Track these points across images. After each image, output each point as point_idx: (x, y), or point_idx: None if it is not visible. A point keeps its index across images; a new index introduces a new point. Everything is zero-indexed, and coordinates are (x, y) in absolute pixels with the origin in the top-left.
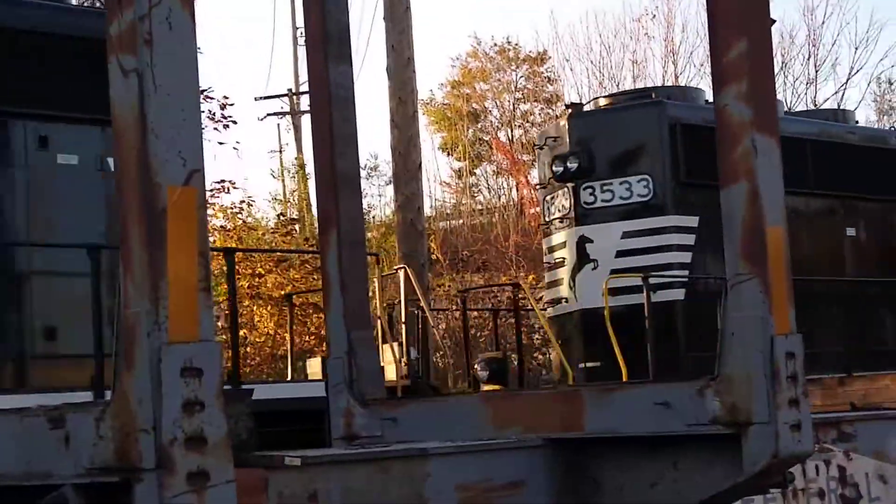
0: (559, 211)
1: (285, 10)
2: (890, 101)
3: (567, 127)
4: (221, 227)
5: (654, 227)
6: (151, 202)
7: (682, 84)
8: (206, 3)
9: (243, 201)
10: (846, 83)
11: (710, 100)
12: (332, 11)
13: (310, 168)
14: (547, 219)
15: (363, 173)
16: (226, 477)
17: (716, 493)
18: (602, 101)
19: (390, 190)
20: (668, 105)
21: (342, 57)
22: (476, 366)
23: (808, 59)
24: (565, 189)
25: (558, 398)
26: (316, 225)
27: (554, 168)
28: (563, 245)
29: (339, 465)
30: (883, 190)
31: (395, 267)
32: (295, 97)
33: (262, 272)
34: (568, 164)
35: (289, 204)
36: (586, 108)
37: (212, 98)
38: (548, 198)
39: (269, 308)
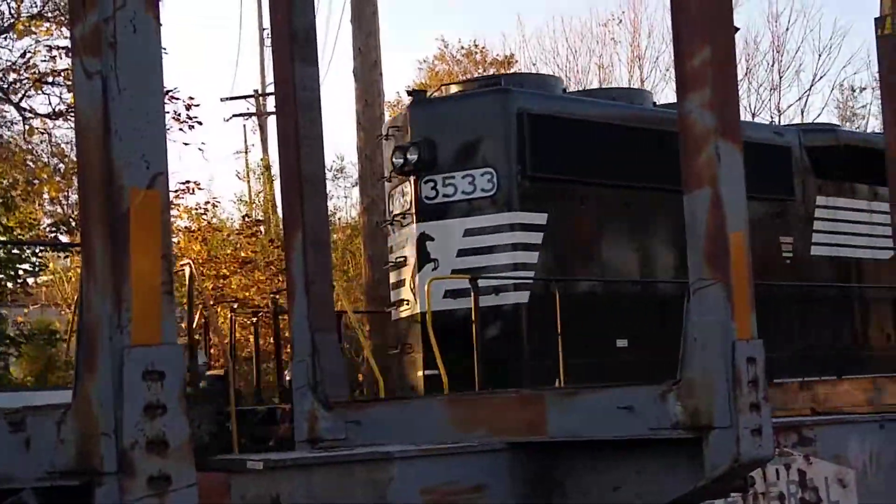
0: (400, 206)
1: (252, 12)
2: (853, 107)
3: (409, 116)
4: (186, 227)
5: (497, 225)
6: (114, 205)
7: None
8: (172, 4)
9: (208, 202)
10: (809, 89)
11: (569, 88)
12: (299, 12)
13: (275, 169)
14: (389, 215)
15: (329, 175)
16: (188, 481)
17: (678, 497)
18: (452, 89)
19: (356, 192)
20: (516, 93)
21: (308, 58)
22: (286, 372)
23: (773, 65)
24: (407, 182)
25: (521, 401)
26: (281, 226)
27: (394, 160)
28: (405, 243)
29: (303, 468)
30: (761, 188)
31: (181, 263)
32: (261, 98)
33: (227, 273)
34: (408, 156)
35: (254, 205)
36: (432, 95)
37: (177, 99)
38: (392, 192)
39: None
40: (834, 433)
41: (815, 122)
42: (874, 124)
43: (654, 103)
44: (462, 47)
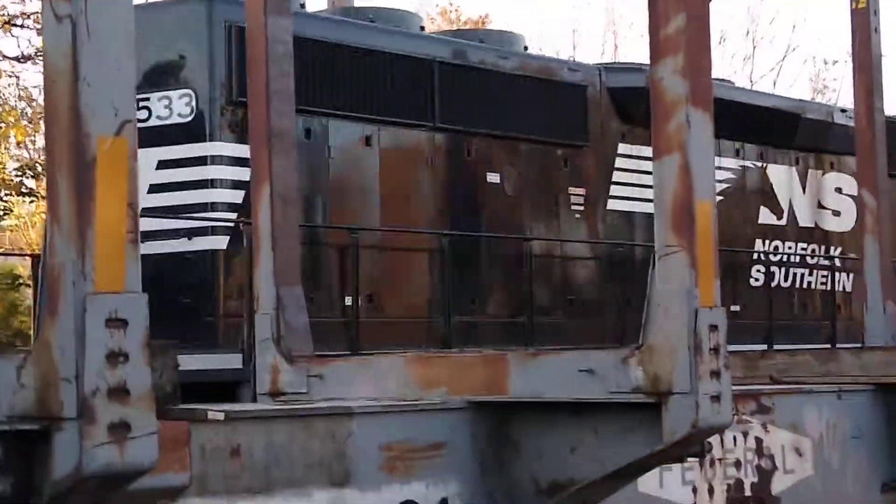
0: None
1: None
2: (824, 80)
3: None
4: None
5: (196, 157)
6: (81, 152)
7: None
8: None
9: None
10: (783, 60)
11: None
12: None
13: None
14: None
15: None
16: (148, 429)
17: (635, 460)
18: None
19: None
20: (221, 3)
21: (282, 10)
22: None
23: (747, 34)
24: None
25: (484, 361)
26: None
27: None
28: None
29: (263, 420)
30: (546, 131)
31: None
32: None
33: None
34: None
35: None
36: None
37: None
38: None
39: None
40: (791, 402)
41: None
42: (846, 97)
43: (526, 47)
44: (436, 5)
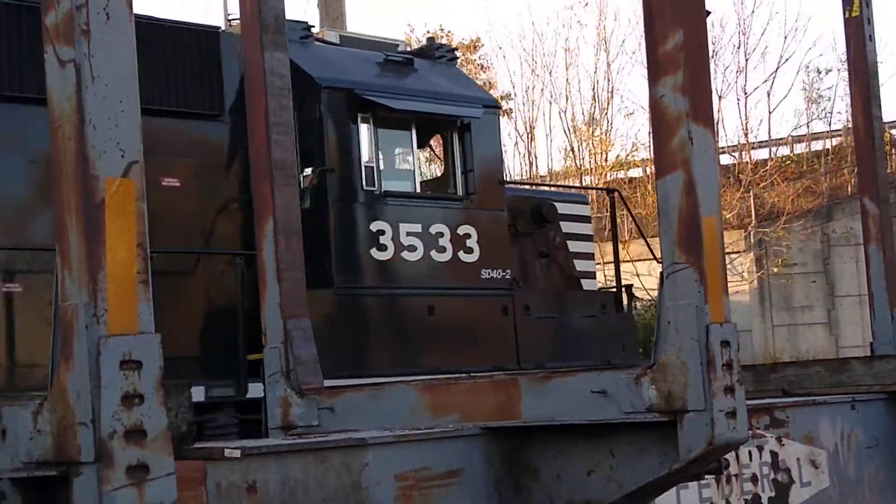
0: None
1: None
2: (818, 89)
3: None
4: None
5: None
6: (89, 194)
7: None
8: None
9: None
10: (775, 72)
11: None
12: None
13: None
14: None
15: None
16: (166, 470)
17: (652, 480)
18: None
19: None
20: None
21: (278, 45)
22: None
23: (738, 48)
24: None
25: (495, 386)
26: None
27: None
28: None
29: (278, 455)
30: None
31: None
32: None
33: None
34: None
35: None
36: None
37: None
38: None
39: None
40: (805, 414)
41: None
42: (840, 106)
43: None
44: (427, 31)
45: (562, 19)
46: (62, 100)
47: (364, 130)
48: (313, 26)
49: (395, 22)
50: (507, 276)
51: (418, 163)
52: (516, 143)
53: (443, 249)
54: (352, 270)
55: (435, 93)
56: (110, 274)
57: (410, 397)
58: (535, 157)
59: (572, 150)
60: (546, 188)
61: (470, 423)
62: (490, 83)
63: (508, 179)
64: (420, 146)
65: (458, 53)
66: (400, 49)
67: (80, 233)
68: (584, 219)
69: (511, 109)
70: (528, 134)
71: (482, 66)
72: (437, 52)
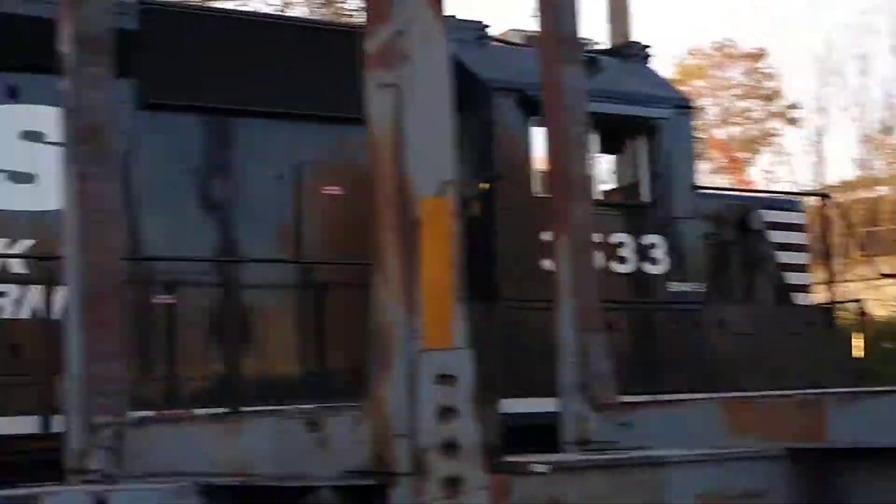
0: None
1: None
2: None
3: None
4: None
5: None
6: (407, 214)
7: None
8: None
9: None
10: None
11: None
12: (563, 14)
13: None
14: None
15: None
16: (479, 483)
17: None
18: None
19: None
20: None
21: (574, 60)
22: None
23: None
24: None
25: (799, 405)
26: None
27: None
28: None
29: (580, 471)
30: None
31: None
32: None
33: None
34: None
35: None
36: None
37: None
38: None
39: None
40: None
41: None
42: None
43: None
44: (714, 42)
45: (854, 27)
46: (383, 123)
47: (536, 134)
48: (489, 26)
49: (680, 33)
50: (700, 290)
51: (602, 168)
52: (807, 152)
53: (624, 260)
54: (519, 282)
55: (620, 93)
56: (426, 291)
57: (709, 414)
58: (825, 166)
59: (865, 159)
60: (754, 194)
61: (772, 442)
62: (776, 92)
63: (712, 186)
64: (606, 151)
65: (649, 52)
66: (597, 48)
67: (398, 251)
68: (797, 227)
69: (797, 118)
70: (817, 143)
71: (766, 75)
72: (627, 51)
